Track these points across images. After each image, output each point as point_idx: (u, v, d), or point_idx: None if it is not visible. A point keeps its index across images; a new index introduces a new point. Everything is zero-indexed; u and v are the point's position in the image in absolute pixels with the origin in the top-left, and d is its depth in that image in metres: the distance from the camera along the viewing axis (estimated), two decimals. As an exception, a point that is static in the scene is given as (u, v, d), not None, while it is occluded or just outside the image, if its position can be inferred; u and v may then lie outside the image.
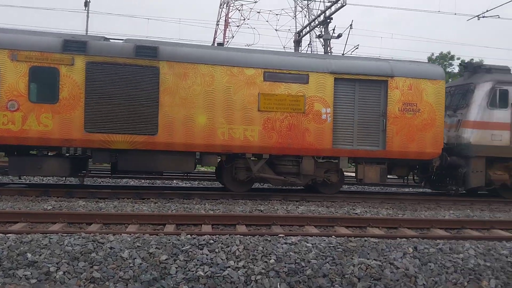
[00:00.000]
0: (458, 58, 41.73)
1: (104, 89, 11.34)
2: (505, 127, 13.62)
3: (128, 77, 11.45)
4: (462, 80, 14.94)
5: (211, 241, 5.73)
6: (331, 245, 5.85)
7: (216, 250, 5.47)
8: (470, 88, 14.02)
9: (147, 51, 11.55)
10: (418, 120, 12.73)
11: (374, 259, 5.50)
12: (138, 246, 5.52)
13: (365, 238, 6.41)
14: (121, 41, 12.12)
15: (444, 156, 13.13)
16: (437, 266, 5.54)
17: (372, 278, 5.12)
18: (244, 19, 38.86)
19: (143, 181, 15.47)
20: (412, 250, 5.85)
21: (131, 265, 5.13)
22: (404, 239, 6.62)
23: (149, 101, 11.51)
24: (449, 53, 43.22)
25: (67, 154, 11.61)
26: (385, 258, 5.57)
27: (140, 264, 5.13)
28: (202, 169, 19.50)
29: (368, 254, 5.65)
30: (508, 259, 5.83)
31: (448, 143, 13.45)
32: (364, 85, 12.58)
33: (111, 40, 12.03)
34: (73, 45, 11.21)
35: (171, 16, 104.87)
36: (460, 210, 11.46)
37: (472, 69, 14.75)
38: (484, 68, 14.54)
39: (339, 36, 23.63)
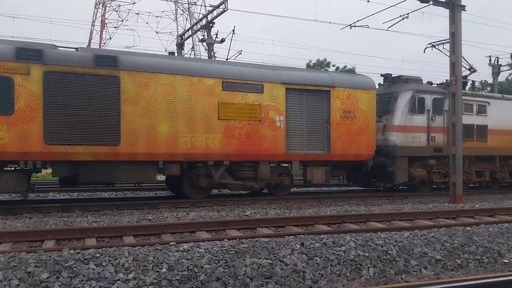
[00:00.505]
0: (333, 65, 44.74)
1: (64, 100, 10.91)
2: (423, 130, 15.70)
3: (88, 87, 11.17)
4: (383, 89, 16.61)
5: (97, 255, 5.41)
6: (224, 249, 5.87)
7: (104, 264, 5.17)
8: (393, 97, 15.81)
9: (107, 61, 11.31)
10: (356, 126, 14.17)
11: (265, 258, 5.64)
12: (13, 266, 5.01)
13: (256, 239, 6.55)
14: (73, 49, 11.66)
15: (375, 157, 14.76)
16: (322, 259, 5.84)
17: (264, 277, 5.23)
18: (122, 20, 37.61)
19: (14, 195, 14.13)
20: (299, 246, 6.10)
21: (7, 287, 4.64)
22: (292, 236, 6.90)
23: (111, 111, 11.32)
24: (325, 59, 46.07)
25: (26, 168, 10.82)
26: (275, 256, 5.73)
27: (18, 285, 4.66)
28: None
29: (259, 253, 5.78)
30: (383, 248, 6.35)
31: (376, 145, 14.82)
32: (311, 95, 13.68)
33: (59, 48, 11.43)
34: (28, 54, 10.53)
35: (40, 15, 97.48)
36: (339, 206, 12.26)
37: (392, 79, 16.73)
38: (402, 79, 16.50)
39: (222, 41, 23.96)
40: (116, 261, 5.28)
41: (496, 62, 30.90)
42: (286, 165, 14.04)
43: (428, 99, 15.87)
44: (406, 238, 6.86)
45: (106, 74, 11.26)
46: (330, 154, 13.88)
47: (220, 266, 5.35)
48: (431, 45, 16.39)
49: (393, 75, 16.88)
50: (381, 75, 17.39)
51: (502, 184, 18.53)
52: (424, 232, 7.42)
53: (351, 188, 18.21)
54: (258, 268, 5.35)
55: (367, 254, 6.12)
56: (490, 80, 35.79)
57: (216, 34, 24.07)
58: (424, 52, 13.43)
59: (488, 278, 4.68)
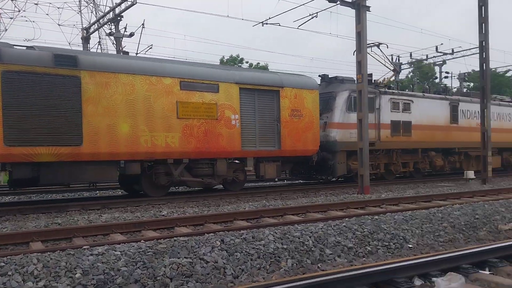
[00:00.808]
0: (247, 62, 45.25)
1: (24, 100, 10.50)
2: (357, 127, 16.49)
3: (48, 87, 10.85)
4: (321, 89, 17.17)
5: (2, 264, 5.00)
6: (141, 250, 5.69)
7: (9, 273, 4.79)
8: (332, 96, 16.93)
9: (67, 60, 11.20)
10: (302, 124, 15.13)
11: (185, 257, 5.55)
12: None
13: (175, 238, 6.43)
14: (28, 48, 11.26)
15: (319, 152, 15.83)
16: (242, 255, 5.88)
17: (184, 276, 5.15)
18: (19, 11, 35.02)
19: None
20: (219, 243, 6.09)
21: None
22: (211, 233, 6.87)
23: (72, 111, 11.22)
24: (238, 56, 46.43)
25: None
26: (195, 255, 5.67)
27: None
28: None
29: (179, 253, 5.68)
30: (300, 240, 6.53)
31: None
32: (262, 94, 14.36)
33: (15, 47, 10.98)
34: None
35: None
36: (257, 201, 12.43)
37: (328, 79, 17.87)
38: (339, 79, 17.63)
39: (132, 35, 23.28)
40: (24, 269, 4.91)
41: (397, 61, 33.12)
42: (237, 161, 14.60)
43: (371, 98, 16.88)
44: (321, 229, 7.12)
45: (67, 74, 11.15)
46: (280, 150, 14.70)
47: (138, 268, 5.18)
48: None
49: (329, 76, 18.00)
50: (319, 75, 18.25)
51: (423, 173, 20.47)
52: (337, 222, 7.75)
53: (297, 182, 19.24)
54: (178, 267, 5.26)
55: (285, 246, 6.26)
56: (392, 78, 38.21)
57: (125, 28, 23.33)
58: (353, 54, 14.32)
59: (395, 263, 4.99)
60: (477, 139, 18.59)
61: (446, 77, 36.39)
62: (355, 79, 14.99)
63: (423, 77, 54.77)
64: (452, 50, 30.79)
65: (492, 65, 41.39)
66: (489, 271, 5.35)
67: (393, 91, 18.81)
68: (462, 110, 21.17)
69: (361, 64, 13.78)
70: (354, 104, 16.20)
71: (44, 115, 10.77)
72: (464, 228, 8.22)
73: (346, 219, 8.21)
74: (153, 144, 12.26)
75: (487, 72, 17.28)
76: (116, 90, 11.78)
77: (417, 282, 4.88)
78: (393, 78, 21.54)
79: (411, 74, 52.62)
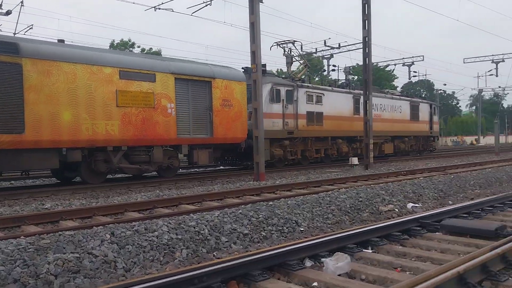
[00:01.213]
0: (139, 46, 43.72)
1: None
2: (279, 116, 18.57)
3: None
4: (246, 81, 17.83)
5: None
6: (21, 247, 5.21)
7: None
8: (209, 85, 17.20)
9: (8, 47, 11.04)
10: (232, 113, 16.10)
11: (71, 252, 5.19)
12: None
13: (60, 233, 5.99)
14: None
15: (247, 139, 16.69)
16: (134, 247, 5.66)
17: (71, 272, 4.82)
18: None
19: None
20: (109, 236, 5.79)
21: None
22: (100, 226, 6.51)
23: (14, 98, 11.14)
24: (129, 40, 44.67)
25: None
26: (83, 249, 5.33)
27: None
28: None
29: (64, 248, 5.30)
30: (196, 229, 6.46)
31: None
32: (195, 85, 15.11)
33: None
34: None
35: None
36: (150, 191, 12.09)
37: (251, 72, 17.94)
38: (265, 72, 18.20)
39: (8, 13, 21.25)
40: None
41: (289, 53, 34.19)
42: (172, 149, 15.19)
43: (283, 91, 18.83)
44: (217, 217, 7.10)
45: (8, 61, 11.03)
46: (213, 138, 15.66)
47: (18, 266, 4.74)
48: (276, 44, 18.55)
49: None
50: (242, 68, 18.89)
51: (331, 159, 22.76)
52: (233, 209, 7.80)
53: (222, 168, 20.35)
54: (64, 263, 4.89)
55: (180, 237, 6.14)
56: (285, 69, 39.48)
57: (0, 5, 21.21)
58: (270, 49, 15.67)
59: (287, 246, 5.13)
60: (375, 128, 21.61)
61: (333, 70, 38.46)
62: (274, 72, 15.93)
63: (312, 70, 57.35)
64: (339, 45, 32.59)
65: (374, 59, 44.70)
66: (371, 249, 5.73)
67: (308, 85, 20.94)
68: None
69: (255, 54, 13.97)
70: (276, 96, 18.41)
71: None
72: (349, 211, 8.75)
73: (242, 206, 8.30)
74: (94, 132, 12.54)
75: (369, 66, 18.55)
76: (58, 78, 11.90)
77: (308, 263, 5.07)
78: (304, 74, 24.14)
79: (302, 66, 54.78)
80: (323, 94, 21.32)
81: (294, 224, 7.57)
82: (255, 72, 14.09)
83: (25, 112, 11.27)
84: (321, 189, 11.81)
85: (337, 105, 22.05)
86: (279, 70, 54.79)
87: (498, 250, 4.74)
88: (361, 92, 22.65)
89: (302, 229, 7.50)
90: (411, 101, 28.65)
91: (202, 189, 12.07)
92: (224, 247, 6.25)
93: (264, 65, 16.24)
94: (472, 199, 10.06)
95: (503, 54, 37.78)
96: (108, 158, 13.25)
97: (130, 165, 13.81)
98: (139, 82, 13.48)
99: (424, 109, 30.04)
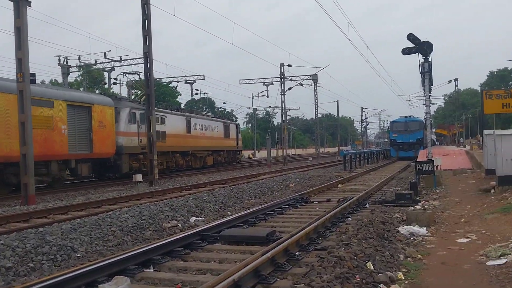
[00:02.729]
0: None
1: None
2: (135, 135, 22.25)
3: None
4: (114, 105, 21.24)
5: None
6: None
7: None
8: (117, 111, 21.40)
9: None
10: (105, 132, 19.33)
11: None
12: None
13: None
14: None
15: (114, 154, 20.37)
16: None
17: None
18: None
19: None
20: None
21: None
22: None
23: None
24: None
25: None
26: None
27: None
28: None
29: None
30: None
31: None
32: (80, 109, 18.18)
33: None
34: None
35: None
36: None
37: (115, 98, 22.47)
38: (119, 98, 24.01)
39: None
40: None
41: (65, 63, 31.93)
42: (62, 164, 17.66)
43: (138, 114, 22.58)
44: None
45: None
46: (93, 153, 18.67)
47: None
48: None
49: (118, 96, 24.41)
50: (110, 95, 22.46)
51: (171, 170, 26.37)
52: (-8, 241, 6.71)
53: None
54: None
55: None
56: (60, 80, 36.70)
57: None
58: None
59: (57, 277, 4.61)
60: (202, 144, 29.71)
61: (115, 83, 37.42)
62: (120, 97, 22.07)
63: (92, 82, 54.85)
64: (120, 58, 31.86)
65: (157, 75, 45.16)
66: (153, 268, 5.59)
67: (156, 108, 22.84)
68: (193, 124, 29.39)
69: (21, 62, 12.50)
70: (133, 118, 22.28)
71: None
72: (132, 230, 8.46)
73: (5, 236, 7.22)
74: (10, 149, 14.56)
75: (151, 81, 18.57)
76: None
77: (84, 292, 4.65)
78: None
79: (80, 77, 51.84)
80: (166, 116, 25.72)
81: (69, 251, 6.93)
82: (22, 82, 12.59)
83: None
84: (101, 209, 11.18)
85: (175, 125, 26.80)
86: (53, 81, 50.73)
87: (268, 255, 5.13)
88: (191, 115, 29.33)
89: (79, 255, 6.91)
90: (224, 122, 35.91)
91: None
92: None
93: (33, 74, 14.70)
94: (248, 208, 10.85)
95: (271, 77, 42.42)
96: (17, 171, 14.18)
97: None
98: (41, 108, 15.93)
99: (232, 129, 37.20)
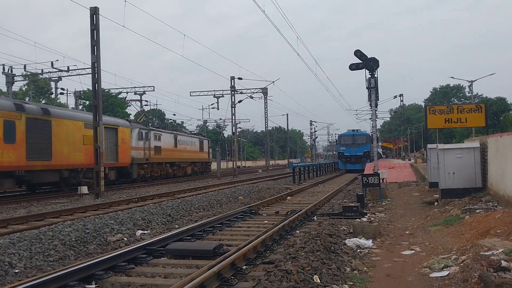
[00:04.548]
0: None
1: None
2: (142, 149, 28.40)
3: None
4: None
5: None
6: None
7: None
8: (121, 130, 26.13)
9: None
10: (125, 147, 25.44)
11: None
12: None
13: None
14: None
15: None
16: None
17: None
18: None
19: None
20: None
21: None
22: None
23: None
24: None
25: None
26: None
27: None
28: None
29: None
30: None
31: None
32: (110, 130, 23.88)
33: None
34: None
35: None
36: None
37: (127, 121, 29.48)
38: (132, 121, 30.50)
39: None
40: None
41: (10, 72, 30.66)
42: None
43: (143, 133, 28.84)
44: None
45: None
46: (118, 162, 24.53)
47: None
48: None
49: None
50: (122, 117, 30.48)
51: (163, 177, 32.51)
52: None
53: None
54: None
55: None
56: (4, 89, 35.14)
57: None
58: None
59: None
60: (185, 156, 36.65)
61: (62, 93, 36.21)
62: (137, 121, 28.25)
63: (38, 92, 52.84)
64: (68, 68, 30.95)
65: (106, 86, 44.13)
66: (95, 284, 5.40)
67: (155, 129, 31.88)
68: (179, 140, 35.48)
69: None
70: (140, 136, 28.44)
71: None
72: (75, 244, 8.16)
73: None
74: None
75: (99, 92, 18.12)
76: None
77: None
78: (143, 119, 35.26)
79: (26, 87, 49.80)
80: (162, 134, 31.82)
81: (7, 266, 6.59)
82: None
83: None
84: (44, 222, 10.71)
85: (167, 141, 32.78)
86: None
87: (215, 269, 5.09)
88: (178, 133, 35.57)
89: (17, 271, 6.58)
90: (199, 138, 42.32)
91: None
92: None
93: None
94: (196, 221, 10.73)
95: (222, 90, 42.49)
96: None
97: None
98: (88, 129, 20.63)
99: (205, 144, 43.37)
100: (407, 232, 9.25)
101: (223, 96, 42.78)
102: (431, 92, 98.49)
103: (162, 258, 6.68)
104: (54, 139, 18.87)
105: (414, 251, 7.45)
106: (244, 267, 5.86)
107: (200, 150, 41.60)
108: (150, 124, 35.61)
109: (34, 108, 18.44)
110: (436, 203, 12.58)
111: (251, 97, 42.02)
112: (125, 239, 9.01)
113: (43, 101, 50.46)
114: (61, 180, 20.29)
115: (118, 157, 24.25)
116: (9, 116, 16.60)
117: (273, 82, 41.17)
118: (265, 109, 45.77)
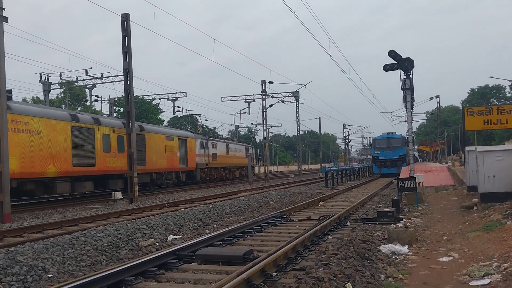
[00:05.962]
0: None
1: None
2: (203, 156, 33.62)
3: None
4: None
5: None
6: None
7: None
8: (189, 140, 31.44)
9: None
10: (191, 154, 30.65)
11: None
12: None
13: None
14: None
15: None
16: None
17: None
18: None
19: None
20: None
21: None
22: None
23: None
24: None
25: None
26: None
27: None
28: None
29: None
30: None
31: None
32: (182, 141, 29.65)
33: None
34: None
35: None
36: None
37: (195, 132, 35.71)
38: (194, 132, 35.34)
39: None
40: None
41: (46, 80, 31.57)
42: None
43: (204, 142, 34.00)
44: None
45: None
46: (187, 167, 29.86)
47: None
48: None
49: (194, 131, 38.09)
50: (190, 130, 37.10)
51: (217, 180, 38.33)
52: (-42, 262, 6.42)
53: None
54: None
55: None
56: (42, 97, 36.21)
57: None
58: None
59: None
60: (234, 162, 42.46)
61: (96, 100, 37.03)
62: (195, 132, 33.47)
63: (74, 99, 54.25)
64: (102, 75, 31.63)
65: (138, 92, 44.95)
66: (125, 290, 5.38)
67: (211, 138, 36.89)
68: (230, 147, 41.18)
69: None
70: (202, 145, 33.67)
71: None
72: (107, 249, 8.21)
73: (-27, 256, 6.92)
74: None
75: (131, 98, 18.38)
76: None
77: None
78: (201, 130, 43.53)
79: (62, 95, 51.25)
80: (217, 143, 37.63)
81: (40, 271, 6.67)
82: None
83: None
84: (78, 228, 10.87)
85: (221, 149, 38.55)
86: (34, 98, 50.05)
87: (244, 275, 4.97)
88: (230, 141, 42.27)
89: (50, 275, 6.64)
90: (245, 145, 48.12)
91: None
92: None
93: (10, 91, 14.42)
94: (227, 226, 10.66)
95: (253, 94, 42.59)
96: None
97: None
98: (169, 141, 27.23)
99: (250, 150, 48.38)
100: (444, 238, 8.89)
101: (254, 101, 42.86)
102: (468, 93, 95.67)
103: (192, 264, 6.62)
104: (147, 149, 23.80)
105: (452, 258, 7.13)
106: (275, 273, 5.71)
107: (246, 156, 46.65)
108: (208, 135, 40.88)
109: (136, 126, 21.66)
110: (475, 208, 12.10)
111: (283, 101, 41.92)
112: (157, 244, 9.01)
113: (79, 108, 51.73)
114: (151, 181, 25.36)
115: (188, 163, 29.80)
116: (120, 133, 21.31)
117: (305, 85, 40.75)
118: (296, 113, 45.61)
